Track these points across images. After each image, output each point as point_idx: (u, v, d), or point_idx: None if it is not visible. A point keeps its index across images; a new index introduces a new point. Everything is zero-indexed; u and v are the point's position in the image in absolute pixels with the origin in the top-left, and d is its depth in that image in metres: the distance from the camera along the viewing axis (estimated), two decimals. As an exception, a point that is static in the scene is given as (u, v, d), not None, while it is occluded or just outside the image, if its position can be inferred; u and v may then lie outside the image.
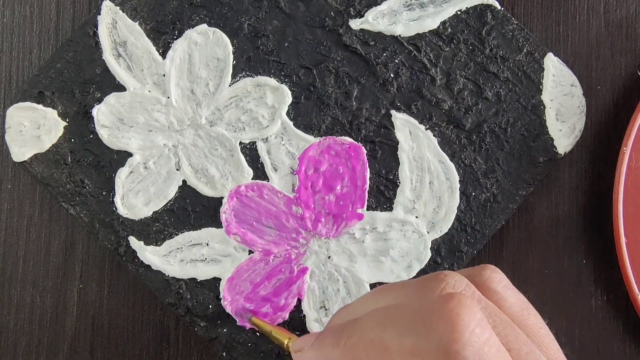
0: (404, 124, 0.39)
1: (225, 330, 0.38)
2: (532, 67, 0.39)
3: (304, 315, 0.38)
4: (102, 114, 0.39)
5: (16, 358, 0.40)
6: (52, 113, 0.39)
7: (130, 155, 0.39)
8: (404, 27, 0.39)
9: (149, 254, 0.38)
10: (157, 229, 0.39)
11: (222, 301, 0.38)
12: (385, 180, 0.39)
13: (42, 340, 0.40)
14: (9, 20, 0.41)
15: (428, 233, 0.38)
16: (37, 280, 0.40)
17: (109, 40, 0.39)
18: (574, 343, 0.40)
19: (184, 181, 0.39)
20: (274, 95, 0.39)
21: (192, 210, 0.39)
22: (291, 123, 0.39)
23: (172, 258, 0.39)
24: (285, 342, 0.33)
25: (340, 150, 0.39)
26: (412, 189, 0.39)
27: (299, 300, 0.38)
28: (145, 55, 0.39)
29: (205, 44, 0.39)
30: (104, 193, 0.39)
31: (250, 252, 0.39)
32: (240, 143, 0.39)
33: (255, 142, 0.39)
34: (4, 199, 0.40)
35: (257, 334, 0.38)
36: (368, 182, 0.39)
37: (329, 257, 0.38)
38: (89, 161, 0.39)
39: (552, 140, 0.39)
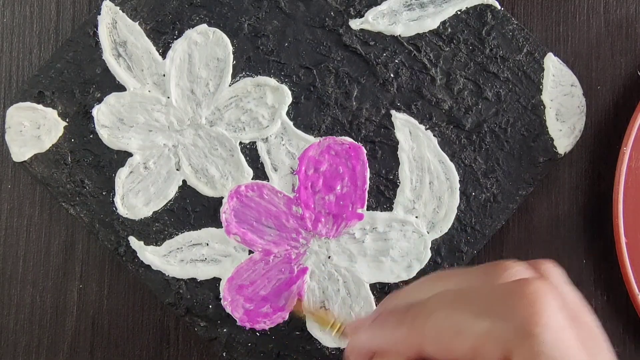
0: (404, 124, 0.39)
1: (225, 330, 0.38)
2: (532, 67, 0.39)
3: (304, 315, 0.38)
4: (102, 114, 0.39)
5: (16, 358, 0.40)
6: (52, 113, 0.39)
7: (130, 155, 0.39)
8: (404, 27, 0.39)
9: (149, 254, 0.38)
10: (157, 229, 0.39)
11: (222, 301, 0.38)
12: (385, 180, 0.39)
13: (42, 340, 0.40)
14: (9, 20, 0.41)
15: (428, 233, 0.38)
16: (37, 280, 0.40)
17: (109, 40, 0.39)
18: None
19: (184, 181, 0.39)
20: (274, 95, 0.39)
21: (192, 210, 0.39)
22: (291, 123, 0.39)
23: (172, 258, 0.39)
24: (331, 323, 0.32)
25: (340, 150, 0.39)
26: (412, 189, 0.39)
27: (299, 300, 0.38)
28: (145, 55, 0.39)
29: (205, 44, 0.39)
30: (104, 193, 0.39)
31: (250, 252, 0.38)
32: (240, 143, 0.39)
33: (255, 142, 0.39)
34: (4, 199, 0.40)
35: (257, 333, 0.38)
36: (368, 182, 0.39)
37: (329, 257, 0.38)
38: (89, 161, 0.39)
39: (552, 140, 0.39)
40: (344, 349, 0.38)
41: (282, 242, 0.38)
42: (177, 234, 0.39)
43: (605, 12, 0.41)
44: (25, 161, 0.39)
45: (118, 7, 0.39)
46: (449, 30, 0.39)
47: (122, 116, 0.39)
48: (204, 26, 0.39)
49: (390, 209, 0.39)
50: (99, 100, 0.39)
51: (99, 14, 0.39)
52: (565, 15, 0.41)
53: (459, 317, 0.23)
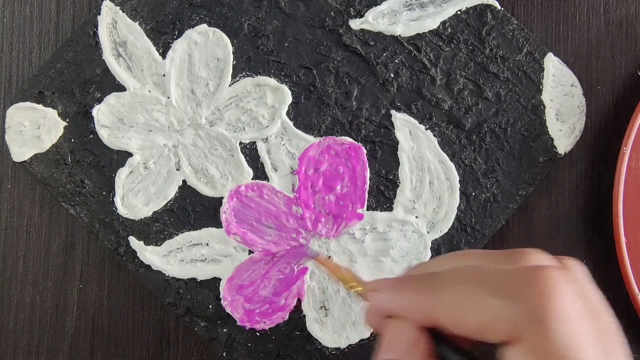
0: (404, 124, 0.39)
1: (225, 330, 0.38)
2: (532, 67, 0.39)
3: (304, 315, 0.38)
4: (102, 114, 0.39)
5: (16, 358, 0.40)
6: (52, 113, 0.39)
7: (130, 155, 0.39)
8: (404, 27, 0.39)
9: (149, 254, 0.38)
10: (157, 229, 0.39)
11: (222, 301, 0.38)
12: (385, 180, 0.39)
13: (42, 340, 0.40)
14: (9, 20, 0.41)
15: (428, 233, 0.38)
16: (37, 280, 0.40)
17: (109, 40, 0.39)
18: None
19: (184, 181, 0.39)
20: (274, 95, 0.39)
21: (192, 210, 0.39)
22: (291, 123, 0.39)
23: (172, 258, 0.39)
24: (350, 283, 0.32)
25: (340, 150, 0.39)
26: (412, 189, 0.39)
27: (299, 300, 0.38)
28: (145, 55, 0.39)
29: (205, 44, 0.39)
30: (104, 193, 0.39)
31: (250, 252, 0.38)
32: (240, 143, 0.39)
33: (255, 142, 0.39)
34: (4, 199, 0.40)
35: (257, 333, 0.38)
36: (368, 182, 0.39)
37: (329, 257, 0.38)
38: (89, 161, 0.39)
39: (552, 140, 0.39)
40: (344, 349, 0.38)
41: (282, 242, 0.38)
42: (177, 234, 0.39)
43: (605, 12, 0.41)
44: (25, 161, 0.39)
45: (118, 7, 0.39)
46: (449, 30, 0.39)
47: (122, 116, 0.39)
48: (204, 26, 0.39)
49: (390, 209, 0.39)
50: (99, 100, 0.39)
51: (99, 14, 0.39)
52: (565, 15, 0.41)
53: (473, 291, 0.23)
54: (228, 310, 0.38)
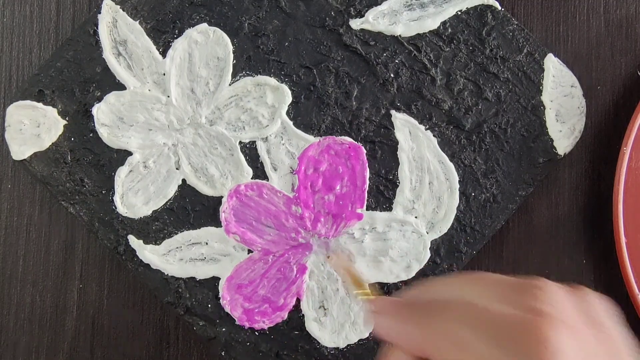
0: (403, 124, 0.39)
1: (224, 329, 0.38)
2: (532, 67, 0.39)
3: (303, 315, 0.38)
4: (102, 112, 0.39)
5: (16, 358, 0.40)
6: (52, 112, 0.39)
7: (130, 154, 0.39)
8: (405, 27, 0.39)
9: (148, 253, 0.38)
10: (156, 227, 0.39)
11: (221, 300, 0.38)
12: (385, 180, 0.39)
13: (42, 340, 0.40)
14: (9, 20, 0.41)
15: (427, 233, 0.38)
16: (37, 280, 0.40)
17: (109, 39, 0.39)
18: None
19: (184, 180, 0.39)
20: (274, 94, 0.39)
21: (191, 209, 0.39)
22: (291, 123, 0.39)
23: (171, 257, 0.39)
24: (362, 289, 0.32)
25: (340, 150, 0.39)
26: (411, 189, 0.39)
27: (298, 300, 0.38)
28: (145, 54, 0.39)
29: (206, 43, 0.39)
30: (103, 192, 0.39)
31: (250, 251, 0.38)
32: (240, 142, 0.39)
33: (255, 141, 0.39)
34: (4, 199, 0.40)
35: (256, 333, 0.38)
36: (367, 182, 0.39)
37: (329, 257, 0.38)
38: (89, 160, 0.39)
39: (552, 141, 0.39)
40: (343, 349, 0.38)
41: (282, 241, 0.38)
42: (176, 233, 0.39)
43: (605, 12, 0.41)
44: (25, 160, 0.39)
45: (118, 6, 0.39)
46: (449, 30, 0.39)
47: (122, 115, 0.39)
48: (204, 25, 0.39)
49: (389, 209, 0.39)
50: (99, 99, 0.39)
51: (99, 13, 0.39)
52: (565, 15, 0.41)
53: (469, 334, 0.22)
54: (227, 309, 0.38)
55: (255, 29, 0.39)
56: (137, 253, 0.39)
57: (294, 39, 0.39)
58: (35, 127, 0.39)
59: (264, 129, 0.39)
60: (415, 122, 0.39)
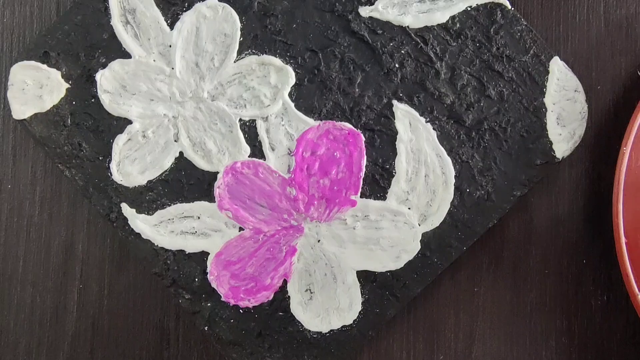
0: (404, 115, 0.39)
1: (209, 304, 0.38)
2: (537, 69, 0.39)
3: (289, 297, 0.38)
4: (106, 79, 0.39)
5: (16, 358, 0.40)
6: (55, 74, 0.39)
7: (129, 122, 0.39)
8: (413, 18, 0.39)
9: (140, 222, 0.39)
10: (150, 198, 0.39)
11: (208, 275, 0.38)
12: (381, 169, 0.39)
13: (42, 340, 0.40)
14: (9, 20, 0.41)
15: (419, 225, 0.38)
16: (37, 280, 0.40)
17: (118, 7, 0.39)
18: (574, 342, 0.40)
19: (181, 153, 0.39)
20: (277, 75, 0.39)
21: (186, 182, 0.39)
22: (292, 104, 0.39)
23: (162, 228, 0.39)
24: None
25: (338, 135, 0.39)
26: (407, 180, 0.39)
27: (285, 282, 0.38)
28: (153, 24, 0.39)
29: (214, 19, 0.39)
30: (100, 158, 0.39)
31: (241, 229, 0.39)
32: (240, 120, 0.39)
33: (255, 120, 0.39)
34: (4, 199, 0.40)
35: (241, 310, 0.38)
36: (364, 169, 0.39)
37: (319, 241, 0.38)
38: (88, 125, 0.39)
39: (551, 143, 0.39)
40: (325, 333, 0.38)
41: (274, 221, 0.38)
42: (169, 205, 0.39)
43: (605, 12, 0.41)
44: (25, 119, 0.39)
45: (130, -25, 0.39)
46: (458, 25, 0.39)
47: (125, 83, 0.39)
48: (214, 1, 0.39)
49: (383, 198, 0.39)
50: (104, 66, 0.39)
51: (111, -20, 0.39)
52: (565, 15, 0.41)
53: None
54: (214, 285, 0.38)
55: (264, 8, 0.39)
56: (128, 221, 0.39)
57: (302, 21, 0.39)
58: (37, 88, 0.39)
59: (265, 108, 0.39)
60: (416, 113, 0.39)
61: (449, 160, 0.39)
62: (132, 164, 0.39)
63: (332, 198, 0.38)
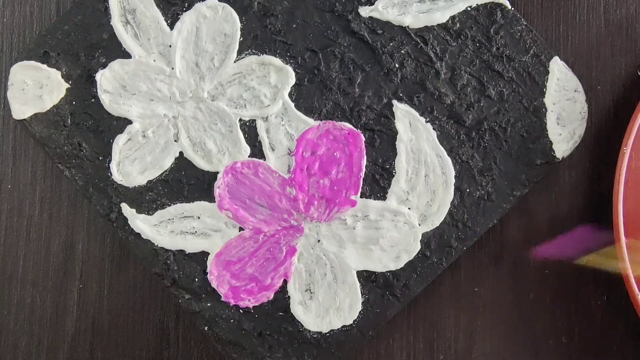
0: (404, 115, 0.39)
1: (209, 304, 0.38)
2: (537, 69, 0.39)
3: (289, 297, 0.38)
4: (106, 79, 0.39)
5: (16, 358, 0.40)
6: (55, 74, 0.39)
7: (129, 122, 0.39)
8: (413, 18, 0.39)
9: (140, 222, 0.39)
10: (150, 198, 0.39)
11: (208, 275, 0.38)
12: (381, 169, 0.39)
13: (42, 340, 0.40)
14: (9, 20, 0.41)
15: (419, 225, 0.38)
16: (37, 280, 0.40)
17: (118, 7, 0.39)
18: (574, 342, 0.40)
19: (181, 153, 0.39)
20: (277, 75, 0.39)
21: (186, 182, 0.39)
22: (292, 104, 0.39)
23: (162, 228, 0.39)
24: None
25: (338, 135, 0.39)
26: (407, 180, 0.39)
27: (285, 282, 0.38)
28: (153, 24, 0.39)
29: (214, 19, 0.39)
30: (100, 158, 0.39)
31: (241, 229, 0.39)
32: (240, 120, 0.39)
33: (255, 120, 0.39)
34: (4, 199, 0.40)
35: (241, 310, 0.38)
36: (364, 169, 0.39)
37: (319, 241, 0.38)
38: (88, 125, 0.39)
39: (551, 143, 0.39)
40: (325, 334, 0.38)
41: (273, 221, 0.38)
42: (169, 205, 0.39)
43: (605, 12, 0.41)
44: (25, 120, 0.39)
45: (130, -25, 0.39)
46: (458, 25, 0.39)
47: (125, 83, 0.39)
48: (214, 1, 0.39)
49: (383, 198, 0.39)
50: (104, 66, 0.39)
51: (111, -20, 0.39)
52: (565, 15, 0.41)
53: None
54: (214, 285, 0.38)
55: (264, 8, 0.39)
56: (128, 221, 0.39)
57: (302, 21, 0.39)
58: (37, 88, 0.39)
59: (265, 108, 0.39)
60: (416, 113, 0.39)
61: (449, 160, 0.39)
62: (132, 164, 0.39)
63: (332, 198, 0.38)
